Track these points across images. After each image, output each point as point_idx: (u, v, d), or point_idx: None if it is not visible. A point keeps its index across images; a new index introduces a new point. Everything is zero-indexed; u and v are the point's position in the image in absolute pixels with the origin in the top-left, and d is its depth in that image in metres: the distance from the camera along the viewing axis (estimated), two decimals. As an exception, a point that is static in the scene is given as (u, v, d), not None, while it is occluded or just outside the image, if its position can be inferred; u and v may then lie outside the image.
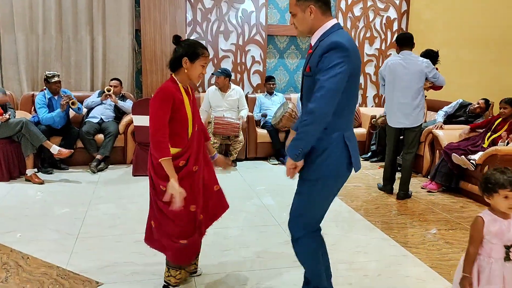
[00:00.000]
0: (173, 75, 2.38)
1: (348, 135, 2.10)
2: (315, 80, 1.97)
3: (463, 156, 4.48)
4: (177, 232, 2.38)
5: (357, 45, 6.99)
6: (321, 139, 2.03)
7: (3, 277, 2.73)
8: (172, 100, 2.26)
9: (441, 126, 5.24)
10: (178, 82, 2.35)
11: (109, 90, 5.57)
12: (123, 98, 5.82)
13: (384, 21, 7.17)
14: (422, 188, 4.89)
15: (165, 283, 2.58)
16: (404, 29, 7.24)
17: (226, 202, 2.70)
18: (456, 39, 6.09)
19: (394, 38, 4.56)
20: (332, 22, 2.08)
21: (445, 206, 4.33)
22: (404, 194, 4.50)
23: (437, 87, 4.52)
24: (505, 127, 4.56)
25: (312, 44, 2.09)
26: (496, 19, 5.35)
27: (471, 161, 4.44)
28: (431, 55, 4.62)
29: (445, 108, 5.55)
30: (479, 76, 5.64)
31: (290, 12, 2.13)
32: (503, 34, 5.26)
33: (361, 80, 7.28)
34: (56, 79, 5.22)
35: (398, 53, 4.40)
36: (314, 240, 2.23)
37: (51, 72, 5.27)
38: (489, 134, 4.70)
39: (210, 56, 6.65)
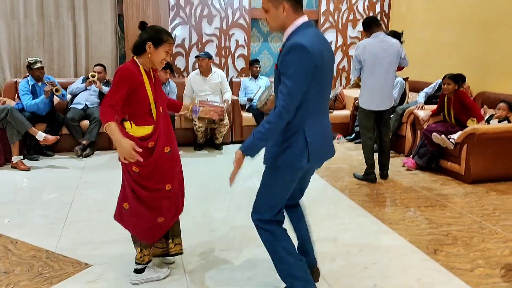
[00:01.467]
0: (135, 57, 2.42)
1: (310, 127, 2.11)
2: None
3: (443, 136, 4.60)
4: (154, 213, 2.43)
5: (340, 28, 7.07)
6: (286, 128, 2.08)
7: (-7, 261, 2.78)
8: (130, 80, 2.30)
9: (422, 107, 5.35)
10: (139, 64, 2.39)
11: (93, 76, 5.55)
12: (107, 83, 5.80)
13: (366, 3, 7.22)
14: (402, 166, 5.03)
15: (138, 264, 2.55)
16: (386, 11, 7.30)
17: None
18: (437, 20, 6.18)
19: (362, 26, 4.44)
20: (302, 20, 2.11)
21: (425, 184, 4.46)
22: (387, 172, 4.61)
23: (399, 68, 4.50)
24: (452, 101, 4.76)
25: (284, 41, 2.13)
26: (476, 3, 5.43)
27: (450, 140, 4.57)
28: (397, 36, 4.59)
29: (426, 89, 5.66)
30: (460, 56, 5.75)
31: (263, 8, 2.15)
32: (483, 15, 5.36)
33: (345, 62, 7.34)
34: (38, 65, 5.19)
35: (369, 37, 4.37)
36: (276, 227, 2.26)
37: (34, 58, 5.23)
38: (446, 112, 4.87)
39: (194, 41, 6.66)
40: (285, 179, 2.19)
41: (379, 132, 4.58)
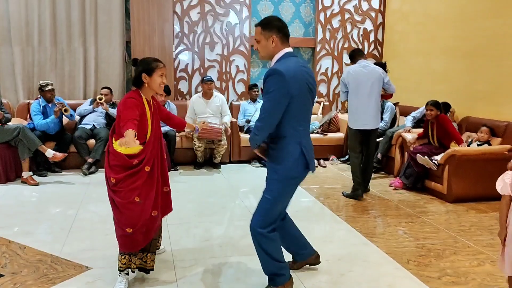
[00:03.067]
0: (138, 90, 2.73)
1: (302, 142, 2.51)
2: None
3: (426, 157, 4.87)
4: (124, 221, 2.66)
5: (336, 55, 7.44)
6: (278, 147, 2.50)
7: (2, 263, 3.07)
8: (139, 106, 2.62)
9: (409, 130, 5.65)
10: (142, 95, 2.71)
11: (100, 99, 5.92)
12: (114, 105, 6.17)
13: (361, 32, 7.62)
14: (389, 186, 5.30)
15: (119, 269, 2.74)
16: (380, 40, 7.68)
17: (171, 205, 3.05)
18: (428, 50, 6.52)
19: (348, 58, 4.96)
20: (285, 50, 2.52)
21: (409, 203, 4.71)
22: (368, 188, 4.97)
23: (388, 95, 5.00)
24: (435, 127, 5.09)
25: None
26: (465, 32, 5.77)
27: (433, 161, 4.84)
28: (381, 65, 5.03)
29: (413, 113, 5.99)
30: (448, 83, 6.06)
31: (255, 39, 2.58)
32: (471, 45, 5.67)
33: (341, 88, 7.67)
34: (49, 87, 5.59)
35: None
36: (273, 234, 2.58)
37: (45, 81, 5.65)
38: (430, 135, 5.18)
39: (197, 66, 7.06)
40: (286, 189, 2.56)
41: (366, 152, 4.89)
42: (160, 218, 2.88)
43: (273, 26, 2.50)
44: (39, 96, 5.71)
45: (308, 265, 3.06)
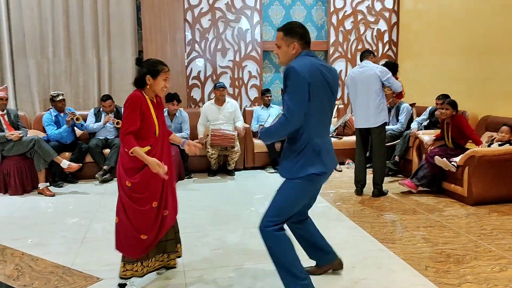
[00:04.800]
0: (141, 90, 2.71)
1: (319, 142, 2.45)
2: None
3: (444, 159, 4.73)
4: (139, 227, 2.65)
5: (349, 57, 7.33)
6: (297, 144, 2.43)
7: (14, 276, 3.08)
8: (139, 104, 2.61)
9: (416, 133, 5.62)
10: (145, 95, 2.69)
11: (108, 119, 5.95)
12: (117, 112, 6.11)
13: (375, 33, 7.50)
14: (399, 183, 5.17)
15: (121, 278, 2.74)
16: (395, 40, 7.55)
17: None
18: (444, 48, 6.36)
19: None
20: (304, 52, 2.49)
21: (428, 206, 4.57)
22: (378, 191, 4.91)
23: (398, 95, 5.07)
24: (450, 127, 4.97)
25: None
26: (481, 29, 5.62)
27: (452, 163, 4.69)
28: (389, 66, 5.03)
29: (418, 119, 5.99)
30: (466, 83, 5.89)
31: (276, 44, 2.55)
32: (488, 43, 5.52)
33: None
34: (60, 97, 5.67)
35: None
36: (281, 234, 2.52)
37: (56, 92, 5.74)
38: (445, 136, 5.05)
39: (209, 73, 7.05)
40: (301, 189, 2.49)
41: (371, 152, 4.97)
42: (172, 216, 2.85)
43: (295, 32, 2.48)
44: (50, 107, 5.79)
45: (331, 270, 3.01)
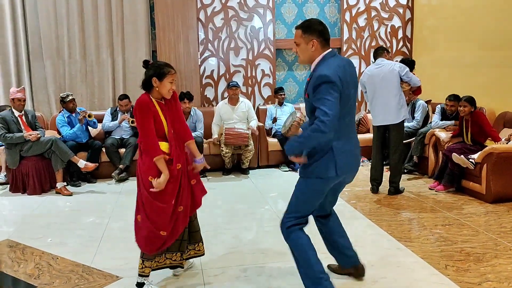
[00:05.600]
0: (148, 93, 2.73)
1: (338, 144, 2.43)
2: (313, 104, 2.37)
3: (462, 156, 4.67)
4: (158, 223, 2.67)
5: (363, 54, 7.28)
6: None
7: (35, 275, 3.13)
8: (149, 108, 2.65)
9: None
10: (151, 97, 2.71)
11: (125, 117, 6.01)
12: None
13: (388, 29, 7.42)
14: (429, 189, 5.06)
15: (140, 275, 2.79)
16: (409, 36, 7.47)
17: (200, 200, 2.95)
18: (459, 44, 6.27)
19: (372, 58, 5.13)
20: (326, 52, 2.46)
21: (446, 204, 4.51)
22: (395, 189, 4.86)
23: (417, 90, 5.04)
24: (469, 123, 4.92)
25: (311, 71, 2.49)
26: (497, 23, 5.52)
27: (470, 160, 4.63)
28: (406, 63, 5.04)
29: (435, 118, 5.78)
30: (483, 78, 5.80)
31: (295, 42, 2.53)
32: (504, 37, 5.42)
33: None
34: (70, 97, 5.73)
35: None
36: (300, 232, 2.54)
37: (65, 93, 5.82)
38: (464, 133, 4.99)
39: (222, 72, 7.06)
40: (314, 188, 2.51)
41: (388, 150, 4.94)
42: (186, 213, 2.84)
43: (314, 30, 2.46)
44: (62, 109, 5.85)
45: (349, 275, 2.93)
